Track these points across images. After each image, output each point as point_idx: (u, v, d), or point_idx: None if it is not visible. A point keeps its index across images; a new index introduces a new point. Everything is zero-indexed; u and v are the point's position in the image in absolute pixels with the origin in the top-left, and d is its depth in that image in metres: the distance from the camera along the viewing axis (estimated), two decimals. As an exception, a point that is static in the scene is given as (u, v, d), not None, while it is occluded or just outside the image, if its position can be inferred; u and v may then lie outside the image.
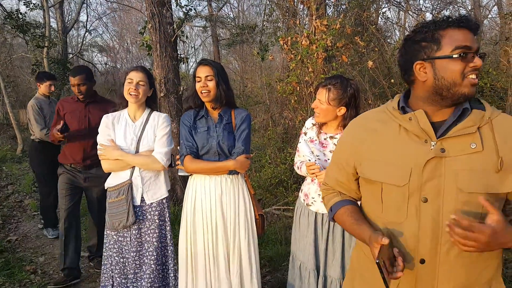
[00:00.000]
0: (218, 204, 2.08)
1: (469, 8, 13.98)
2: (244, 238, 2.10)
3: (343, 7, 6.20)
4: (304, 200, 2.09)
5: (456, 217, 0.96)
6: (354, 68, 5.62)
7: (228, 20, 11.28)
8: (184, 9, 5.02)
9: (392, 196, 1.12)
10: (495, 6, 11.95)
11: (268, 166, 4.89)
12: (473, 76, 1.05)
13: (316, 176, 1.93)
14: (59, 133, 2.76)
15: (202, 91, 2.04)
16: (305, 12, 5.93)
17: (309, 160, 1.96)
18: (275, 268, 3.05)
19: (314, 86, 4.63)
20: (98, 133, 2.50)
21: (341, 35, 5.28)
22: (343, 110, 1.95)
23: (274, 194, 4.54)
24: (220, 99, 2.07)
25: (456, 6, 14.97)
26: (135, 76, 2.20)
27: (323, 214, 2.00)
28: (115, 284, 2.28)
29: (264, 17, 7.85)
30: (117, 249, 2.25)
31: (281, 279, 2.82)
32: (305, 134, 2.14)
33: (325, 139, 2.04)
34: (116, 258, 2.25)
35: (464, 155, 1.05)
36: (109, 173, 2.52)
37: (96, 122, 2.60)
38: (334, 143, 2.00)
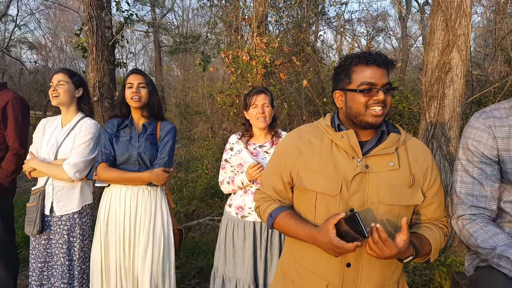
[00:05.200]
0: (132, 216, 2.02)
1: (399, 36, 15.47)
2: (158, 253, 2.04)
3: (282, 28, 6.50)
4: (237, 213, 2.10)
5: (380, 227, 1.07)
6: (291, 86, 5.90)
7: (172, 27, 11.17)
8: (125, 14, 4.91)
9: (325, 204, 1.23)
10: (420, 36, 13.35)
11: (205, 176, 4.90)
12: (376, 108, 1.19)
13: (256, 178, 1.96)
14: None
15: (133, 97, 2.02)
16: (247, 28, 6.13)
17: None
18: (205, 279, 3.06)
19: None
20: None
21: (279, 54, 5.53)
22: (273, 111, 2.16)
23: (209, 204, 4.55)
24: (153, 108, 2.08)
25: (388, 33, 16.45)
26: (54, 78, 2.13)
27: (261, 222, 2.02)
28: None
29: (208, 28, 7.92)
30: (34, 255, 2.14)
31: (210, 290, 2.84)
32: (231, 149, 2.17)
33: (254, 148, 2.12)
34: (34, 264, 2.14)
35: (384, 171, 1.21)
36: None
37: None
38: (264, 151, 2.10)
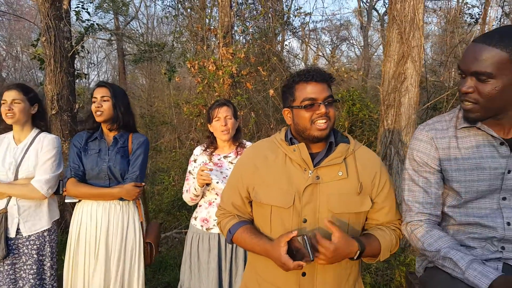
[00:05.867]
0: (103, 232, 1.99)
1: (361, 45, 16.06)
2: (128, 268, 2.04)
3: (248, 37, 6.57)
4: (202, 226, 2.10)
5: (316, 235, 1.14)
6: (259, 95, 5.97)
7: (136, 35, 10.98)
8: (85, 24, 4.79)
9: (279, 217, 1.28)
10: (381, 45, 13.95)
11: (171, 188, 4.83)
12: (320, 122, 1.26)
13: (204, 180, 1.95)
14: None
15: (97, 111, 2.01)
16: (213, 39, 6.14)
17: (217, 183, 2.01)
18: (173, 294, 3.01)
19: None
20: None
21: (246, 64, 5.59)
22: (237, 122, 2.19)
23: (176, 217, 4.48)
24: (117, 120, 2.05)
25: (350, 42, 17.05)
26: (8, 96, 2.04)
27: None
28: None
29: (174, 37, 7.86)
30: None
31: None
32: (195, 161, 2.19)
33: (219, 159, 2.14)
34: None
35: (333, 181, 1.27)
36: None
37: None
38: (229, 162, 2.12)
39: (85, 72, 5.00)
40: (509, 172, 1.21)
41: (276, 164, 1.32)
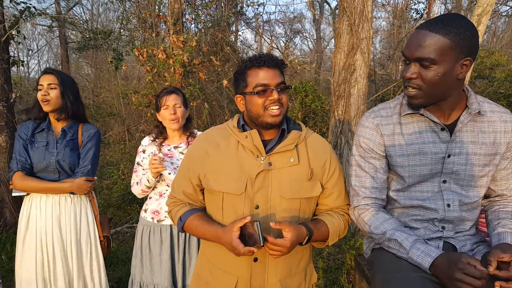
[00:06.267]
0: (55, 226, 1.93)
1: (314, 38, 16.37)
2: (88, 261, 2.00)
3: (200, 26, 6.41)
4: (153, 218, 2.05)
5: (269, 239, 1.16)
6: (212, 85, 5.86)
7: (80, 22, 10.31)
8: (20, 6, 4.38)
9: (231, 204, 1.27)
10: (333, 39, 14.33)
11: (121, 182, 4.62)
12: (273, 108, 1.26)
13: (157, 168, 1.90)
14: None
15: (43, 100, 1.90)
16: (163, 26, 5.92)
17: (169, 174, 1.95)
18: (124, 291, 2.89)
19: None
20: None
21: (198, 53, 5.45)
22: (187, 111, 2.11)
23: (127, 211, 4.31)
24: (66, 110, 1.95)
25: (303, 35, 17.32)
26: None
27: None
28: None
29: (121, 24, 7.46)
30: None
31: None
32: (144, 152, 2.11)
33: (169, 150, 2.08)
34: None
35: (285, 167, 1.28)
36: None
37: None
38: (179, 152, 2.06)
39: (23, 60, 4.60)
40: (449, 156, 1.27)
41: (228, 151, 1.31)
